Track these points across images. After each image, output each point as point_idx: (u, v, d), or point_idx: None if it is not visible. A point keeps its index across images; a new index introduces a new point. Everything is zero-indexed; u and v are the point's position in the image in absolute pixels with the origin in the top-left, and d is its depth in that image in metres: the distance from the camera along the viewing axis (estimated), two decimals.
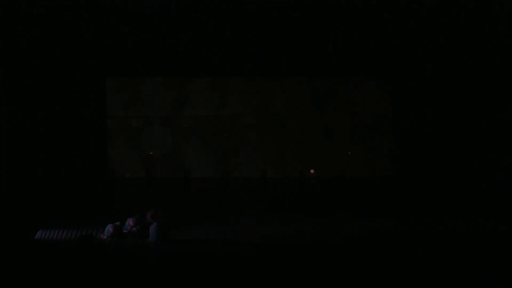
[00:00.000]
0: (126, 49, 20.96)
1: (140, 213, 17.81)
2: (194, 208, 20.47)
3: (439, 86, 21.65)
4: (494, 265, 15.06)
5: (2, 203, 19.33)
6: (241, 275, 14.85)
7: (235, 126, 22.46)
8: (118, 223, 17.47)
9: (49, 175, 21.41)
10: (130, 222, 17.50)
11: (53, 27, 20.47)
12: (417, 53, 21.21)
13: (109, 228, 17.25)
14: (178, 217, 18.83)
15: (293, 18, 20.98)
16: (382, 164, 22.32)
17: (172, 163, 22.67)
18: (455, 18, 20.76)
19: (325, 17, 20.82)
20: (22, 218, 18.36)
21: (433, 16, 20.75)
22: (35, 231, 17.56)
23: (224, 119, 22.38)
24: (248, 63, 21.29)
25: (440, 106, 21.70)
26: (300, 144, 22.63)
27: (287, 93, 22.51)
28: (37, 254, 16.03)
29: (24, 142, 21.34)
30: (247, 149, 22.62)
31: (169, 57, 21.21)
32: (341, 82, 22.32)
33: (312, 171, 22.35)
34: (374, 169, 22.37)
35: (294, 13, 20.92)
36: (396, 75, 21.71)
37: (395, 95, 22.08)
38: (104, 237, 17.16)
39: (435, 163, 21.69)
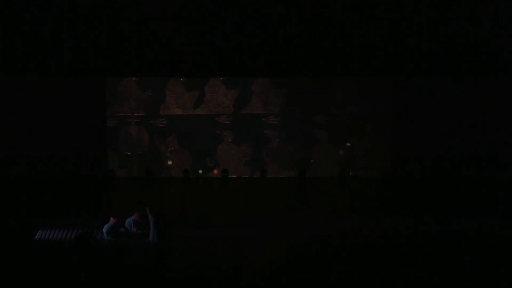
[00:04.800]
0: (125, 50, 21.08)
1: (139, 211, 17.74)
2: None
3: (439, 86, 21.69)
4: (495, 265, 15.09)
5: (2, 203, 19.35)
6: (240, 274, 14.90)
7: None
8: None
9: (49, 175, 21.53)
10: (133, 218, 17.42)
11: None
12: (418, 53, 21.24)
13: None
14: (176, 216, 18.70)
15: (289, 17, 21.06)
16: (381, 164, 22.44)
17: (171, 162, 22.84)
18: (455, 17, 20.86)
19: (324, 16, 20.89)
20: (22, 218, 18.35)
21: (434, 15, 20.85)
22: (35, 231, 17.52)
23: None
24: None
25: (440, 105, 21.75)
26: (299, 144, 22.70)
27: (285, 92, 22.61)
28: (37, 254, 16.04)
29: (24, 142, 21.48)
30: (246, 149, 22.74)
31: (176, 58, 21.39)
32: (340, 82, 22.36)
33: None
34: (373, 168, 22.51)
35: (288, 12, 21.02)
36: (396, 75, 21.75)
37: (395, 94, 22.16)
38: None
39: (435, 162, 21.82)
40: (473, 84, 21.65)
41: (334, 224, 18.02)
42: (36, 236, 17.28)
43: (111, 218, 17.09)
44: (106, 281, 14.57)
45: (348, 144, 22.48)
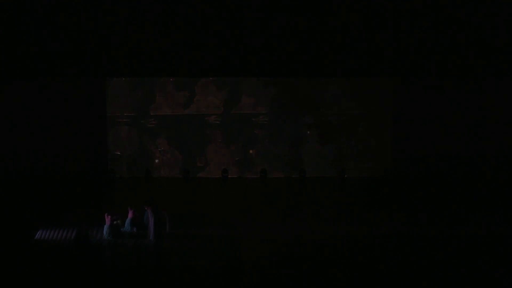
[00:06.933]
0: (126, 50, 21.00)
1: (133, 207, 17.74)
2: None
3: (439, 85, 21.94)
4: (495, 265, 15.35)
5: (1, 203, 19.25)
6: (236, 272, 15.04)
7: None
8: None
9: (49, 175, 21.41)
10: (129, 216, 17.41)
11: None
12: (418, 53, 21.40)
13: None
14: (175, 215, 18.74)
15: (285, 16, 21.09)
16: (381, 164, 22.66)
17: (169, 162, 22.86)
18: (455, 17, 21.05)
19: (324, 16, 20.95)
20: (22, 217, 18.28)
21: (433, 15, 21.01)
22: (35, 231, 17.47)
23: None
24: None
25: (440, 105, 22.02)
26: (298, 143, 22.83)
27: (275, 92, 22.75)
28: (36, 253, 16.01)
29: (24, 141, 21.34)
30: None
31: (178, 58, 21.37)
32: (340, 81, 22.56)
33: None
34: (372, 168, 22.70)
35: (284, 11, 21.08)
36: (396, 75, 21.91)
37: (395, 94, 22.36)
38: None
39: (434, 162, 22.07)
40: (473, 84, 21.83)
41: (333, 225, 18.22)
42: (36, 236, 17.22)
43: (105, 216, 17.12)
44: (106, 281, 14.58)
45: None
